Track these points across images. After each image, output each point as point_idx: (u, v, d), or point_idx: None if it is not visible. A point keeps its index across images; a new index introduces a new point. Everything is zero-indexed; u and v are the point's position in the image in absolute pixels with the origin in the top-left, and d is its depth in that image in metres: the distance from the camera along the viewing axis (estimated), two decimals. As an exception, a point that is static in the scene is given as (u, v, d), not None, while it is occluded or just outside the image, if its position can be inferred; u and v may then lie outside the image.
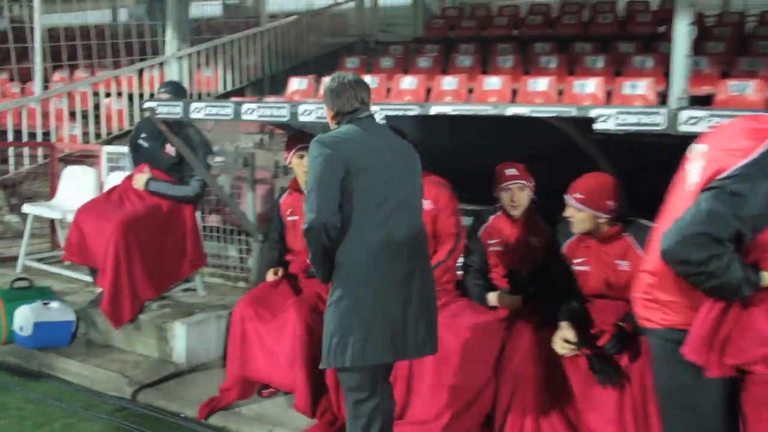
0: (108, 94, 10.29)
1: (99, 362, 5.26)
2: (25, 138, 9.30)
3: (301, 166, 4.59)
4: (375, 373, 3.29)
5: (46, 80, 11.26)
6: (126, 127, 10.23)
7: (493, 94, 8.49)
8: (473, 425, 3.89)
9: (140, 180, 5.46)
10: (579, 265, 3.85)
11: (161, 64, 10.51)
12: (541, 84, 8.36)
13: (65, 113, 9.87)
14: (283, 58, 12.29)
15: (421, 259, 3.35)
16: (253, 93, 11.45)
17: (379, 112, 3.96)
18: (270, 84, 11.90)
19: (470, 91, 8.81)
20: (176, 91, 5.52)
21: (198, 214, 5.77)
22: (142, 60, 11.31)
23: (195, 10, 16.94)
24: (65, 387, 5.06)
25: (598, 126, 3.43)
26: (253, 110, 4.41)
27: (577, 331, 3.64)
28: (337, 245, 3.19)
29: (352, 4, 13.71)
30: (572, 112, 3.61)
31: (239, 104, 4.49)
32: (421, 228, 3.39)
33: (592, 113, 3.45)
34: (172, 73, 10.73)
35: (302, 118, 4.26)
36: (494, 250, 4.32)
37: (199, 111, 4.61)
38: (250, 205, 6.08)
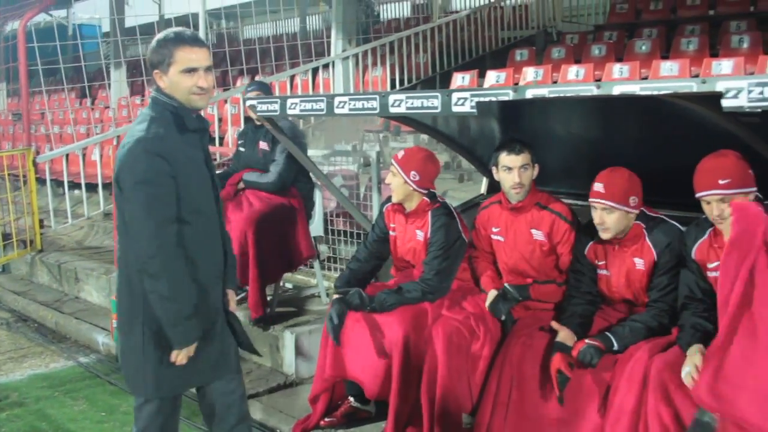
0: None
1: (212, 369, 5.09)
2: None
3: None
4: None
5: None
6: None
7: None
8: None
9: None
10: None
11: (326, 66, 10.44)
12: (726, 66, 7.27)
13: (228, 117, 10.09)
14: (455, 55, 11.86)
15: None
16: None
17: (469, 99, 3.41)
18: (440, 81, 11.51)
19: (644, 79, 7.89)
20: (263, 89, 5.36)
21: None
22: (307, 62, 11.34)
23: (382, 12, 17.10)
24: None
25: (727, 103, 2.68)
26: (344, 103, 4.01)
27: None
28: None
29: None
30: (693, 87, 2.86)
31: (331, 98, 4.11)
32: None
33: (720, 87, 2.70)
34: (337, 73, 10.69)
35: (393, 110, 3.80)
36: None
37: (294, 107, 4.28)
38: (376, 207, 5.70)
